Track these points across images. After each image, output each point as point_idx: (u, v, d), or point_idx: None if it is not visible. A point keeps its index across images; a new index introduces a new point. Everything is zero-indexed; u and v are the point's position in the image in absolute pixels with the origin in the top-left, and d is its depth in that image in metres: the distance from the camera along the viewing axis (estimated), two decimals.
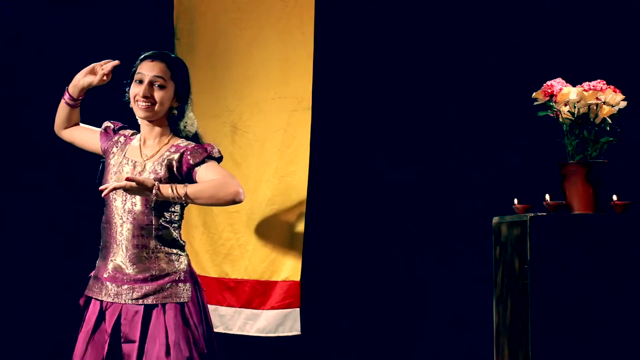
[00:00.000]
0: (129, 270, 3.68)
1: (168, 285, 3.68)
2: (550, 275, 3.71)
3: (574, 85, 3.93)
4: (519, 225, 3.81)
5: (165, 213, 3.72)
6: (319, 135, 4.97)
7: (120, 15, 5.23)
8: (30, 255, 5.20)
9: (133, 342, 3.65)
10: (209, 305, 3.89)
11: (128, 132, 3.90)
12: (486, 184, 4.92)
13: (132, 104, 3.78)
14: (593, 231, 3.74)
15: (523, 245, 3.76)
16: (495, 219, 4.08)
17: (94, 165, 4.03)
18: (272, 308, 4.92)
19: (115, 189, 3.55)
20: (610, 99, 3.88)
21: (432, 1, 5.06)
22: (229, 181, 3.64)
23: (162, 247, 3.71)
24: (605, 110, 3.87)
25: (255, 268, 4.98)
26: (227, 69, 5.10)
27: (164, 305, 3.67)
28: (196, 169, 3.69)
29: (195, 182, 3.68)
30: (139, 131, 3.87)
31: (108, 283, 3.71)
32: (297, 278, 4.87)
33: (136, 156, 3.77)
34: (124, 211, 3.71)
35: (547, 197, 3.92)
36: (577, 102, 3.87)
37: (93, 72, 3.87)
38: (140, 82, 3.74)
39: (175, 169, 3.70)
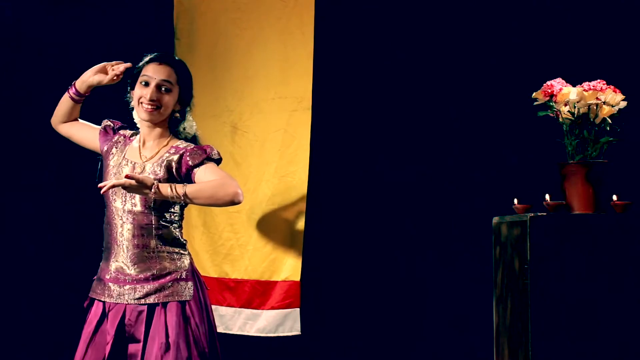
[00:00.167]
0: (131, 270, 3.69)
1: (169, 284, 3.68)
2: (550, 275, 3.71)
3: (574, 85, 3.93)
4: (519, 225, 3.81)
5: (165, 213, 3.72)
6: (319, 135, 4.97)
7: (120, 15, 5.23)
8: (30, 255, 5.20)
9: (138, 341, 3.66)
10: None
11: (127, 132, 3.90)
12: (486, 184, 4.92)
13: (135, 106, 3.78)
14: (593, 231, 3.74)
15: (523, 245, 3.76)
16: (495, 219, 4.08)
17: (93, 165, 4.02)
18: (272, 308, 4.92)
19: (114, 186, 3.55)
20: (610, 99, 3.88)
21: (432, 1, 5.06)
22: (228, 182, 3.65)
23: (163, 247, 3.71)
24: (605, 110, 3.87)
25: (255, 268, 4.98)
26: (227, 69, 5.10)
27: (165, 304, 3.67)
28: (195, 170, 3.70)
29: (194, 183, 3.69)
30: (137, 131, 3.87)
31: (110, 284, 3.71)
32: (297, 278, 4.87)
33: (135, 157, 3.77)
34: (123, 212, 3.71)
35: (547, 197, 3.92)
36: (577, 102, 3.87)
37: (104, 71, 3.88)
38: (146, 84, 3.74)
39: (174, 170, 3.71)
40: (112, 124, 3.93)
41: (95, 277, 3.83)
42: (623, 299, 3.72)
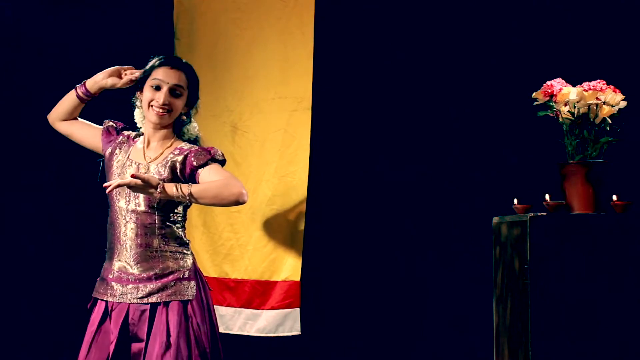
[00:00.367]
0: (134, 269, 3.69)
1: (172, 283, 3.69)
2: (550, 275, 3.71)
3: (574, 85, 3.93)
4: (519, 225, 3.81)
5: (168, 213, 3.73)
6: (319, 135, 4.97)
7: (120, 15, 5.23)
8: (30, 255, 5.20)
9: (142, 340, 3.66)
10: None
11: (131, 133, 3.90)
12: (486, 184, 4.92)
13: (144, 108, 3.78)
14: (593, 231, 3.74)
15: (523, 245, 3.76)
16: (495, 219, 4.08)
17: (94, 165, 4.02)
18: (272, 308, 4.92)
19: (119, 185, 3.55)
20: (610, 99, 3.88)
21: (432, 1, 5.06)
22: (233, 182, 3.67)
23: (166, 246, 3.72)
24: (605, 110, 3.87)
25: (255, 268, 4.98)
26: (227, 69, 5.10)
27: (167, 303, 3.67)
28: (199, 170, 3.72)
29: (192, 184, 3.70)
30: (139, 131, 3.88)
31: (113, 283, 3.72)
32: (297, 278, 4.87)
33: (139, 158, 3.78)
34: (127, 211, 3.71)
35: (547, 197, 3.92)
36: (577, 102, 3.87)
37: (116, 75, 3.87)
38: (158, 88, 3.75)
39: (178, 171, 3.72)
40: (114, 125, 3.93)
41: (98, 277, 3.83)
42: (623, 299, 3.72)
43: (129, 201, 3.71)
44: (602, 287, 3.72)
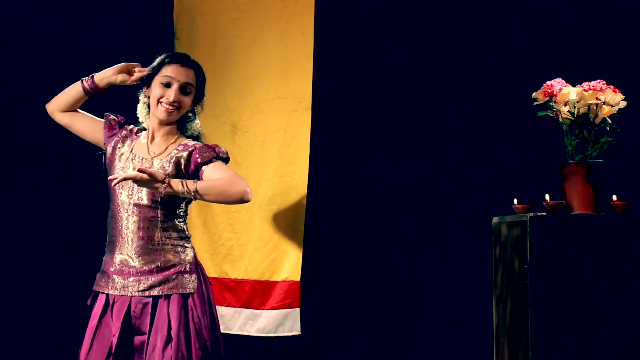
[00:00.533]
0: (135, 262, 3.71)
1: (174, 276, 3.71)
2: (550, 275, 3.71)
3: (574, 85, 3.92)
4: (519, 225, 3.81)
5: (170, 208, 3.74)
6: (319, 135, 4.97)
7: (120, 15, 5.23)
8: (30, 255, 5.20)
9: (144, 334, 3.67)
10: None
11: (133, 127, 3.90)
12: (486, 184, 4.91)
13: (152, 104, 3.78)
14: (593, 231, 3.74)
15: (523, 245, 3.76)
16: (495, 219, 4.08)
17: (94, 165, 4.03)
18: (272, 308, 4.92)
19: (125, 179, 3.56)
20: (610, 99, 3.88)
21: (432, 1, 5.06)
22: (238, 180, 3.70)
23: (168, 239, 3.74)
24: (605, 110, 3.87)
25: (255, 268, 4.98)
26: (227, 69, 5.10)
27: (168, 296, 3.68)
28: (204, 167, 3.74)
29: (197, 180, 3.71)
30: (141, 126, 3.88)
31: (115, 276, 3.72)
32: (297, 278, 4.87)
33: (143, 153, 3.79)
34: (129, 205, 3.72)
35: (547, 197, 3.92)
36: (577, 102, 3.87)
37: (125, 71, 3.87)
38: (168, 85, 3.76)
39: (182, 167, 3.74)
40: (116, 118, 3.93)
41: (99, 271, 3.83)
42: (623, 299, 3.72)
43: (131, 195, 3.72)
44: (602, 287, 3.72)
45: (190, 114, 3.86)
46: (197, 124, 3.90)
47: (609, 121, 3.88)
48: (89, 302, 3.82)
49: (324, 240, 5.08)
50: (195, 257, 3.81)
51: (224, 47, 5.12)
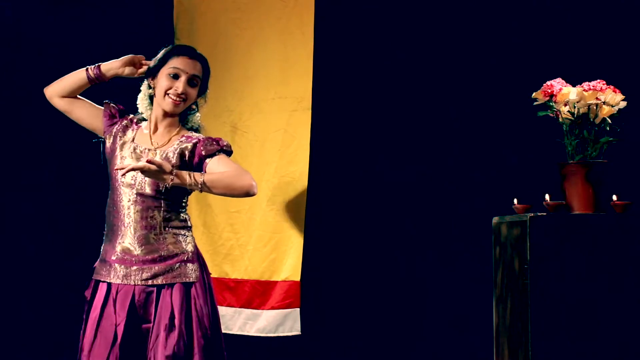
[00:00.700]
0: (138, 251, 3.71)
1: (177, 265, 3.73)
2: (550, 275, 3.71)
3: (574, 85, 3.92)
4: (519, 225, 3.80)
5: (173, 197, 3.75)
6: (319, 135, 4.97)
7: (120, 15, 5.23)
8: (30, 255, 5.20)
9: (149, 322, 3.68)
10: None
11: (133, 116, 3.89)
12: (486, 184, 4.92)
13: (159, 96, 3.78)
14: (593, 231, 3.74)
15: (523, 245, 3.76)
16: (495, 219, 4.08)
17: (94, 165, 4.02)
18: (272, 308, 4.92)
19: (134, 169, 3.56)
20: (610, 99, 3.88)
21: (432, 1, 5.06)
22: (244, 174, 3.73)
23: (170, 229, 3.75)
24: (605, 110, 3.87)
25: (255, 268, 4.98)
26: (227, 69, 5.10)
27: (171, 285, 3.69)
28: (208, 160, 3.76)
29: (205, 173, 3.72)
30: (139, 115, 3.88)
31: (117, 265, 3.72)
32: (297, 278, 4.87)
33: (146, 143, 3.80)
34: (132, 194, 3.73)
35: (547, 197, 3.92)
36: (577, 102, 3.87)
37: (132, 64, 3.87)
38: (176, 76, 3.77)
39: (186, 159, 3.74)
40: (116, 107, 3.92)
41: (97, 261, 3.82)
42: (623, 299, 3.72)
43: (134, 184, 3.72)
44: (602, 287, 3.72)
45: (193, 106, 3.87)
46: (197, 117, 3.91)
47: (609, 121, 3.88)
48: (88, 293, 3.81)
49: (324, 240, 5.08)
50: (196, 246, 3.82)
51: (224, 47, 5.12)
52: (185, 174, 3.64)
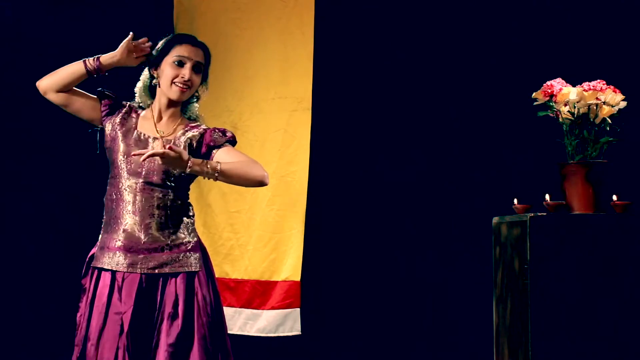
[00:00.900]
0: (144, 239, 3.71)
1: (182, 255, 3.74)
2: (550, 275, 3.71)
3: (574, 85, 3.92)
4: (519, 225, 3.80)
5: (179, 186, 3.76)
6: (319, 135, 4.98)
7: (120, 15, 5.23)
8: (30, 255, 5.20)
9: (154, 310, 3.68)
10: None
11: (131, 104, 3.88)
12: (486, 184, 4.92)
13: (164, 84, 3.78)
14: (593, 231, 3.74)
15: (523, 245, 3.76)
16: (495, 219, 4.08)
17: (94, 165, 4.02)
18: (273, 308, 4.92)
19: (155, 155, 3.55)
20: (610, 99, 3.88)
21: (432, 1, 5.06)
22: (257, 163, 3.75)
23: (176, 219, 3.76)
24: (605, 110, 3.87)
25: (256, 268, 4.98)
26: (227, 69, 5.10)
27: (176, 274, 3.70)
28: (216, 150, 3.77)
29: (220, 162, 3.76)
30: (132, 101, 3.87)
31: (122, 253, 3.71)
32: (297, 278, 4.87)
33: (150, 131, 3.80)
34: (139, 182, 3.72)
35: (547, 197, 3.92)
36: (577, 102, 3.86)
37: (130, 51, 3.82)
38: (181, 64, 3.77)
39: (194, 148, 3.76)
40: (112, 95, 3.89)
41: (96, 249, 3.81)
42: (623, 299, 3.72)
43: (142, 172, 3.73)
44: (602, 287, 3.72)
45: (197, 94, 3.88)
46: (196, 107, 3.91)
47: (609, 121, 3.88)
48: (86, 282, 3.80)
49: (324, 240, 5.08)
50: (198, 235, 3.85)
51: (224, 47, 5.12)
52: (200, 162, 3.64)
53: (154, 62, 3.81)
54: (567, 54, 4.85)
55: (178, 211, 3.77)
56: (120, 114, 3.83)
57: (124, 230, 3.72)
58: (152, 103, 3.86)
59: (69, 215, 5.20)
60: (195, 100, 3.90)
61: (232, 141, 3.85)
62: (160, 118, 3.84)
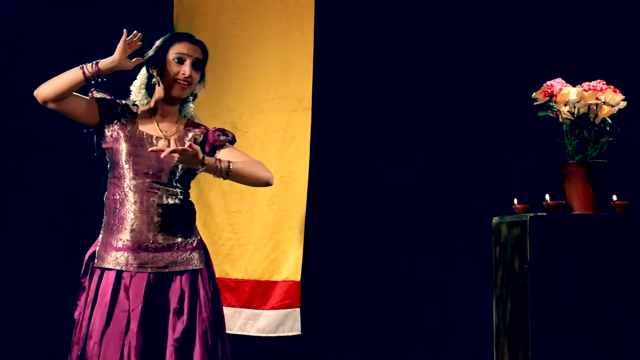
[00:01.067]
0: (152, 239, 3.73)
1: (188, 253, 3.78)
2: (550, 275, 3.71)
3: (574, 85, 3.92)
4: (519, 225, 3.80)
5: (183, 184, 3.81)
6: (319, 135, 4.98)
7: (120, 15, 5.23)
8: (30, 255, 5.20)
9: (162, 307, 3.70)
10: None
11: (127, 103, 3.88)
12: (486, 184, 4.92)
13: (167, 82, 3.78)
14: (593, 231, 3.74)
15: (523, 245, 3.76)
16: (495, 219, 4.08)
17: (93, 165, 4.02)
18: (273, 308, 4.92)
19: (175, 152, 3.57)
20: (610, 99, 3.88)
21: (432, 1, 5.06)
22: (262, 164, 3.84)
23: (183, 217, 3.80)
24: (605, 110, 3.87)
25: (256, 268, 4.98)
26: (227, 69, 5.10)
27: (183, 272, 3.74)
28: (219, 150, 3.83)
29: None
30: (126, 99, 3.87)
31: (129, 253, 3.71)
32: (297, 278, 4.87)
33: (152, 130, 3.80)
34: (146, 182, 3.73)
35: (547, 197, 3.92)
36: (577, 102, 3.86)
37: (125, 51, 3.79)
38: (181, 61, 3.79)
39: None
40: (106, 95, 3.88)
41: (96, 249, 3.80)
42: (623, 299, 3.72)
43: (150, 172, 3.73)
44: (602, 287, 3.72)
45: (196, 92, 3.91)
46: (191, 107, 3.94)
47: (609, 121, 3.88)
48: (86, 281, 3.80)
49: (324, 240, 5.08)
50: (199, 233, 3.90)
51: (224, 47, 5.12)
52: (214, 160, 3.70)
53: (153, 61, 3.82)
54: (567, 54, 4.85)
55: (184, 210, 3.81)
56: (119, 115, 3.83)
57: (132, 230, 3.73)
58: (148, 102, 3.87)
59: (68, 215, 5.20)
60: (191, 99, 3.92)
61: (233, 141, 3.90)
62: (160, 117, 3.85)
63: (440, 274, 4.99)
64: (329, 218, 5.10)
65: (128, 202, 3.74)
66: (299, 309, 4.87)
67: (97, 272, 3.77)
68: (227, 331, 4.89)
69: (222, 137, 3.86)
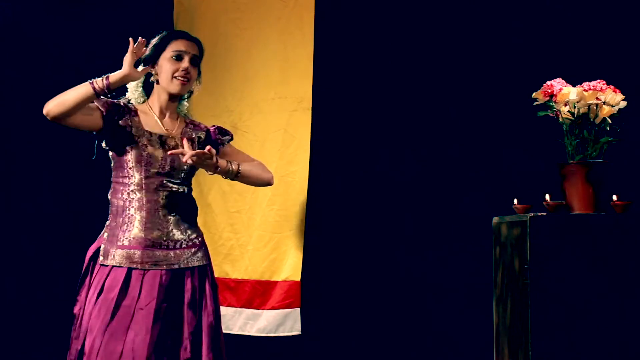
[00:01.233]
0: (165, 237, 3.75)
1: (197, 249, 3.83)
2: (550, 275, 3.71)
3: (574, 85, 3.92)
4: (519, 225, 3.81)
5: (188, 182, 3.87)
6: (319, 135, 4.98)
7: (120, 15, 5.23)
8: (30, 255, 5.20)
9: (174, 302, 3.71)
10: None
11: (125, 102, 3.88)
12: (486, 184, 4.91)
13: (165, 80, 3.79)
14: (593, 231, 3.74)
15: (523, 245, 3.76)
16: (495, 219, 4.08)
17: (94, 165, 4.02)
18: (273, 308, 4.92)
19: (197, 154, 3.64)
20: (610, 99, 3.88)
21: (432, 1, 5.06)
22: (264, 165, 3.97)
23: (190, 214, 3.85)
24: (605, 110, 3.87)
25: (256, 268, 4.98)
26: (227, 69, 5.10)
27: (192, 268, 3.80)
28: (220, 148, 3.93)
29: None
30: (121, 98, 3.86)
31: (140, 250, 3.72)
32: (298, 278, 4.87)
33: (158, 129, 3.82)
34: (158, 182, 3.75)
35: (547, 197, 3.92)
36: (577, 102, 3.87)
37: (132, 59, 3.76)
38: (179, 58, 3.82)
39: (198, 146, 3.86)
40: (107, 97, 3.84)
41: (102, 246, 3.80)
42: (623, 298, 3.72)
43: (163, 172, 3.77)
44: (602, 287, 3.72)
45: (193, 89, 3.94)
46: (185, 105, 3.97)
47: (609, 121, 3.88)
48: (90, 277, 3.80)
49: (324, 240, 5.08)
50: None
51: (224, 47, 5.12)
52: (226, 162, 3.78)
53: (151, 59, 3.83)
54: (567, 54, 4.85)
55: (191, 208, 3.88)
56: (121, 115, 3.82)
57: (143, 229, 3.74)
58: (145, 100, 3.88)
59: (69, 215, 5.20)
60: (187, 96, 3.94)
61: (231, 139, 3.99)
62: (162, 115, 3.87)
63: (440, 274, 4.99)
64: (329, 218, 5.10)
65: (137, 201, 3.76)
66: (299, 309, 4.87)
67: (103, 270, 3.77)
68: (228, 331, 4.93)
69: (223, 136, 3.95)
